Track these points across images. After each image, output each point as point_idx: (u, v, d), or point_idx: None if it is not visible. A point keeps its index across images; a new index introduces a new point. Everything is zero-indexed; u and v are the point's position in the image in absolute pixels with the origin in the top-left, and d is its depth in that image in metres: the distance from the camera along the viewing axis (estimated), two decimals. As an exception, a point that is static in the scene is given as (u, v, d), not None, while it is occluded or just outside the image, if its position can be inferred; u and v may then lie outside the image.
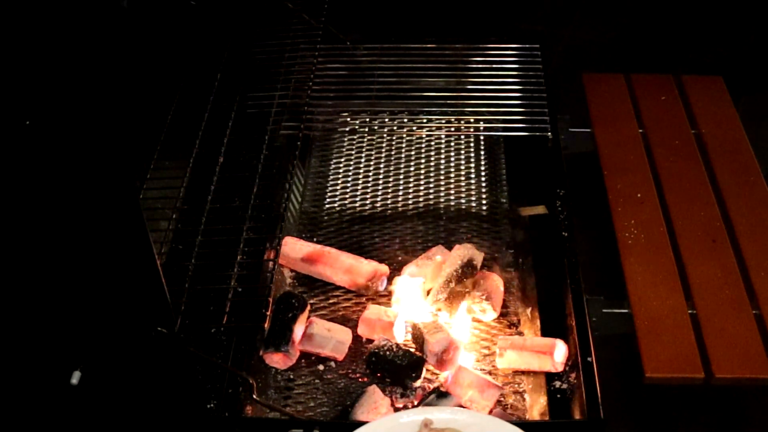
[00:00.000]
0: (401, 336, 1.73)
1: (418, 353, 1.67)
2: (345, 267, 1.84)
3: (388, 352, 1.64)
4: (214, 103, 1.93)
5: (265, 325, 1.60)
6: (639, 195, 1.86)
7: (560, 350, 1.64)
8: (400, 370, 1.63)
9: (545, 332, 1.74)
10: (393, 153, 2.22)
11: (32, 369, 1.39)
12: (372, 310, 1.75)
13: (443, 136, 2.23)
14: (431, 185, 2.12)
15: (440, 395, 1.59)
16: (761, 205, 1.83)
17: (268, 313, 1.55)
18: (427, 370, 1.68)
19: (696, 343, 1.57)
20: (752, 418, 1.50)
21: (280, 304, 1.72)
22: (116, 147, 1.15)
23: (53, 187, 1.18)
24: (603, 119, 2.05)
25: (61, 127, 1.13)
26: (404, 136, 2.23)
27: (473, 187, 2.11)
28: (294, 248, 1.88)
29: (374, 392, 1.60)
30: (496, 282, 1.79)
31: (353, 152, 2.23)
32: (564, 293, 1.70)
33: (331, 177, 2.17)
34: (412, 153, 2.21)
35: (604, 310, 1.65)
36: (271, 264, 1.67)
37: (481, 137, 2.23)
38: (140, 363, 1.40)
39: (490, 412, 1.59)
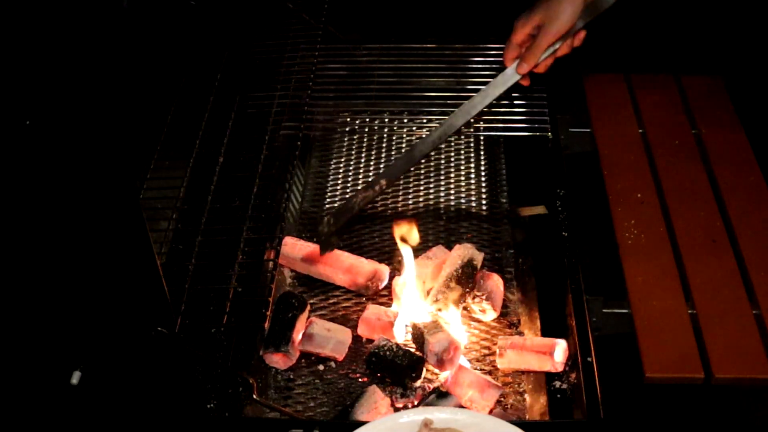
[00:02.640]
0: (401, 336, 1.73)
1: (418, 353, 1.67)
2: (345, 267, 1.84)
3: (388, 352, 1.64)
4: (214, 103, 1.93)
5: (265, 325, 1.60)
6: (639, 195, 1.85)
7: (560, 350, 1.64)
8: (400, 370, 1.63)
9: (545, 332, 1.74)
10: (393, 153, 2.22)
11: (32, 369, 1.39)
12: (372, 310, 1.75)
13: (443, 136, 2.23)
14: (431, 185, 2.12)
15: (440, 395, 1.59)
16: (761, 205, 1.83)
17: (268, 313, 1.55)
18: (427, 370, 1.68)
19: (696, 343, 1.56)
20: (752, 418, 1.50)
21: (280, 304, 1.72)
22: (116, 147, 1.15)
23: (53, 188, 1.18)
24: (603, 119, 2.05)
25: (61, 127, 1.13)
26: (404, 136, 2.23)
27: (473, 187, 2.11)
28: (294, 248, 1.88)
29: (374, 392, 1.60)
30: (496, 282, 1.79)
31: (353, 152, 2.23)
32: (564, 293, 1.70)
33: (331, 177, 2.17)
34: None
35: (604, 310, 1.65)
36: (271, 264, 1.68)
37: (481, 137, 2.23)
38: (140, 363, 1.40)
39: (490, 412, 1.59)
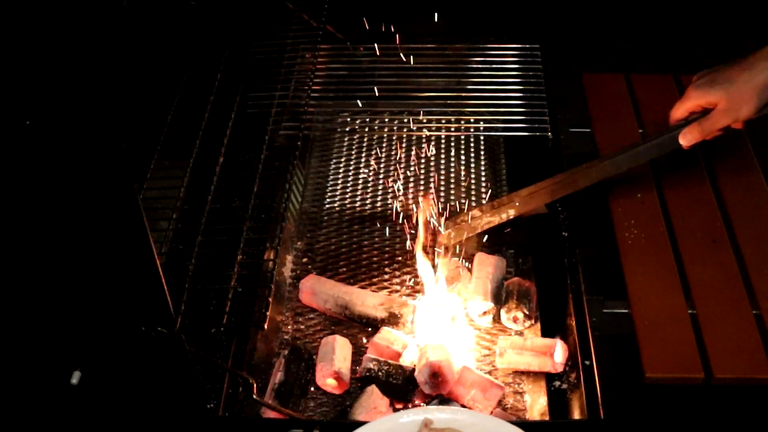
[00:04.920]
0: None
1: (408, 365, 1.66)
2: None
3: (380, 374, 1.62)
4: (214, 103, 1.93)
5: (275, 372, 1.57)
6: (639, 195, 1.85)
7: (560, 351, 1.64)
8: (396, 389, 1.61)
9: (545, 332, 1.74)
10: (393, 153, 2.22)
11: (32, 369, 1.39)
12: (383, 335, 1.72)
13: (443, 136, 2.23)
14: (431, 185, 2.12)
15: (442, 401, 1.59)
16: (761, 205, 1.83)
17: (268, 313, 1.55)
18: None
19: (696, 343, 1.56)
20: (752, 418, 1.50)
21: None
22: (116, 147, 1.15)
23: (53, 188, 1.18)
24: (603, 119, 2.04)
25: (61, 127, 1.13)
26: (404, 136, 2.23)
27: (473, 187, 2.12)
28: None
29: (373, 392, 1.60)
30: (534, 291, 1.79)
31: (353, 152, 2.23)
32: (564, 293, 1.70)
33: (331, 177, 2.17)
34: (412, 153, 2.22)
35: (604, 310, 1.64)
36: (271, 264, 1.67)
37: (481, 137, 2.23)
38: (140, 363, 1.40)
39: (491, 412, 1.59)
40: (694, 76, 1.66)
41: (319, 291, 1.81)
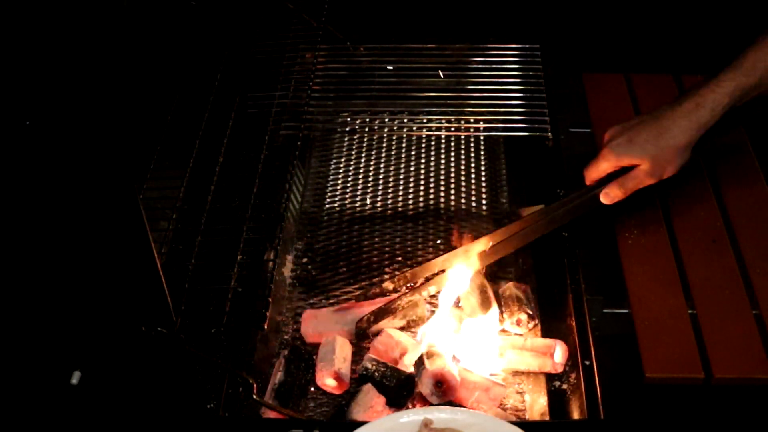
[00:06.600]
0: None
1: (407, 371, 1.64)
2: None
3: (375, 374, 1.62)
4: (214, 103, 1.93)
5: (275, 372, 1.57)
6: (639, 195, 1.85)
7: (560, 351, 1.64)
8: (388, 391, 1.60)
9: (545, 332, 1.74)
10: (393, 153, 2.22)
11: (32, 369, 1.39)
12: (383, 338, 1.70)
13: (443, 136, 2.23)
14: (431, 185, 2.12)
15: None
16: (761, 205, 1.83)
17: (268, 313, 1.55)
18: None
19: (696, 343, 1.56)
20: (752, 418, 1.50)
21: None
22: (116, 147, 1.15)
23: (53, 188, 1.18)
24: (603, 119, 2.04)
25: (61, 128, 1.13)
26: (404, 136, 2.23)
27: (473, 187, 2.12)
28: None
29: (369, 390, 1.59)
30: (530, 292, 1.78)
31: (353, 152, 2.23)
32: (564, 293, 1.70)
33: (331, 177, 2.17)
34: (412, 153, 2.22)
35: (604, 310, 1.64)
36: (271, 264, 1.68)
37: (481, 137, 2.23)
38: (140, 363, 1.40)
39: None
40: (606, 134, 1.69)
41: (324, 329, 1.76)
